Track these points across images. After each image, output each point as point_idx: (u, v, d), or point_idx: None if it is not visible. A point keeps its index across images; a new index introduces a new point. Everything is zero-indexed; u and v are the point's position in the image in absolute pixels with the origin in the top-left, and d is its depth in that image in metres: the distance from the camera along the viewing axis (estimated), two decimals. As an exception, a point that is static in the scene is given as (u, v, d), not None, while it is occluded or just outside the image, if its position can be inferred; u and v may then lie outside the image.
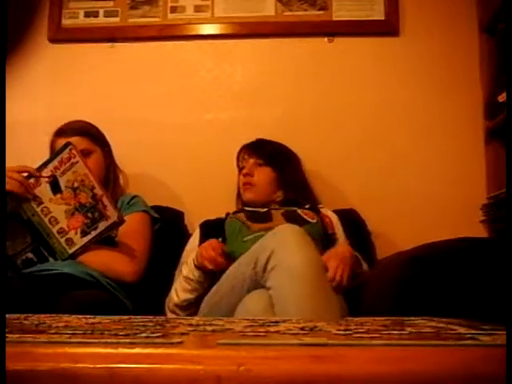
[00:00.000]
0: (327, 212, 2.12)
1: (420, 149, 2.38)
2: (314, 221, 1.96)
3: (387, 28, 2.45)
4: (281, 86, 2.49)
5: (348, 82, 2.46)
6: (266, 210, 2.04)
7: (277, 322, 0.96)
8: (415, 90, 2.42)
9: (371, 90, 2.44)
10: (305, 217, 1.97)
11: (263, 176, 2.14)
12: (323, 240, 1.92)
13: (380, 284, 1.59)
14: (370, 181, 2.38)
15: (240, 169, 2.21)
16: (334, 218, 2.10)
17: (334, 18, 2.48)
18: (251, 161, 2.17)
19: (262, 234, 1.76)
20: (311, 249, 1.55)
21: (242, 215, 2.02)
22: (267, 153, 2.18)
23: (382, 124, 2.41)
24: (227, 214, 2.09)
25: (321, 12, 2.48)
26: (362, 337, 0.68)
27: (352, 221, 2.19)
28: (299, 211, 2.00)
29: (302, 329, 0.80)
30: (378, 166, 2.38)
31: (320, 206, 2.15)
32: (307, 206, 2.07)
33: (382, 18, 2.45)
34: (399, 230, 2.27)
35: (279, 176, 2.14)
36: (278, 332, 0.78)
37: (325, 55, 2.49)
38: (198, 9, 2.54)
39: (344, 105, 2.45)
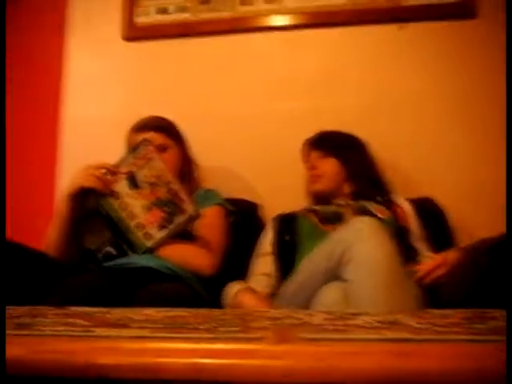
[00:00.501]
0: (400, 201, 2.07)
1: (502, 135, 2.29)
2: (386, 217, 1.93)
3: (463, 10, 2.36)
4: (353, 75, 2.46)
5: (421, 68, 2.40)
6: (336, 209, 2.01)
7: (355, 314, 0.95)
8: (497, 76, 2.29)
9: (446, 77, 2.37)
10: (376, 213, 1.94)
11: (328, 167, 2.12)
12: (396, 234, 1.89)
13: (464, 273, 1.56)
14: (446, 168, 2.31)
15: (305, 163, 2.21)
16: (408, 209, 2.05)
17: (404, 4, 2.42)
18: (314, 154, 2.16)
19: None
20: (387, 242, 1.53)
21: (312, 216, 2.00)
22: (329, 144, 2.16)
23: (460, 110, 2.34)
24: (300, 211, 2.08)
25: (392, -2, 2.43)
26: (444, 331, 0.67)
27: (428, 211, 2.13)
28: (370, 207, 1.97)
29: (382, 322, 0.79)
30: (454, 153, 2.32)
31: (392, 195, 2.11)
32: (378, 199, 2.04)
33: (458, 0, 2.36)
34: (478, 221, 2.20)
35: (345, 166, 2.11)
36: (356, 325, 0.77)
37: (397, 42, 2.44)
38: (268, 0, 2.53)
39: (417, 92, 2.39)
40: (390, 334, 0.63)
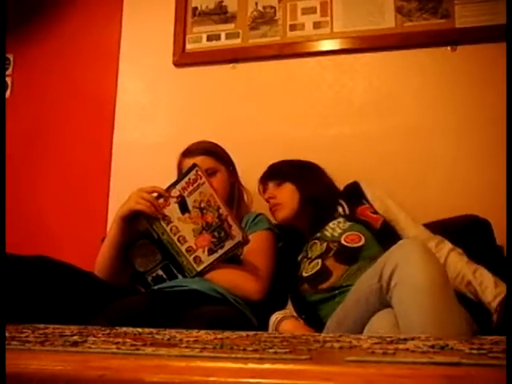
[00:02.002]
0: (370, 194, 2.05)
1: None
2: (358, 244, 1.90)
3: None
4: (404, 99, 2.45)
5: (475, 90, 2.38)
6: (320, 266, 1.93)
7: (405, 339, 0.94)
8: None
9: (500, 100, 2.33)
10: (349, 244, 1.91)
11: (285, 193, 2.10)
12: (379, 244, 1.88)
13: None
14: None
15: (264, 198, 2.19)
16: (380, 200, 2.03)
17: (457, 26, 2.40)
18: (270, 185, 2.15)
19: (333, 294, 1.80)
20: (435, 264, 1.50)
21: (306, 286, 1.94)
22: (281, 171, 2.15)
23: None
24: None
25: (442, 20, 2.42)
26: (498, 357, 0.65)
27: (474, 227, 2.08)
28: (342, 240, 1.93)
29: (432, 347, 0.78)
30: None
31: (359, 199, 2.06)
32: (341, 213, 2.03)
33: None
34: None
35: (301, 187, 2.09)
36: (407, 350, 0.76)
37: (448, 65, 2.42)
38: (317, 25, 2.56)
39: (472, 115, 2.36)
40: (441, 359, 0.62)
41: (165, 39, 2.73)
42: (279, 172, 2.16)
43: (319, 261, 1.93)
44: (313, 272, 1.92)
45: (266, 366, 0.60)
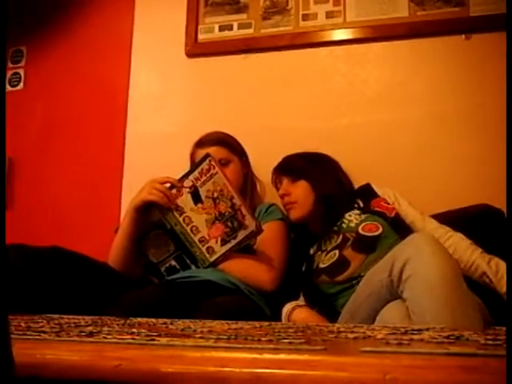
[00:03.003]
0: (381, 192, 2.05)
1: None
2: (376, 233, 1.90)
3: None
4: (417, 88, 2.42)
5: (489, 80, 2.35)
6: (337, 257, 1.92)
7: (420, 330, 0.93)
8: None
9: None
10: (367, 233, 1.91)
11: (300, 190, 2.08)
12: (396, 232, 1.88)
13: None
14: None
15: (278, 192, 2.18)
16: (390, 195, 2.04)
17: (472, 14, 2.37)
18: (284, 181, 2.13)
19: (351, 284, 1.80)
20: (446, 256, 1.49)
21: (322, 277, 1.93)
22: (296, 167, 2.12)
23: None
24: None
25: (456, 9, 2.38)
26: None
27: (486, 219, 2.06)
28: (360, 229, 1.93)
29: (448, 337, 0.77)
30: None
31: (370, 195, 2.07)
32: (356, 206, 2.03)
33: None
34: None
35: (316, 185, 2.07)
36: (422, 340, 0.76)
37: (462, 54, 2.39)
38: (329, 15, 2.54)
39: (487, 104, 2.33)
40: (456, 349, 0.61)
41: (177, 30, 2.72)
42: (294, 167, 2.14)
43: (336, 252, 1.93)
44: (330, 263, 1.92)
45: (281, 356, 0.60)
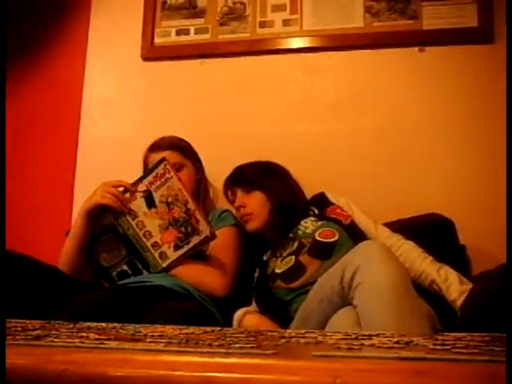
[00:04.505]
0: (335, 201, 2.07)
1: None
2: (332, 239, 1.91)
3: (481, 35, 2.36)
4: (371, 98, 2.45)
5: (441, 92, 2.40)
6: (293, 262, 1.93)
7: (370, 335, 0.94)
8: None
9: (467, 100, 2.36)
10: (323, 239, 1.92)
11: (255, 201, 2.08)
12: (351, 239, 1.89)
13: (481, 299, 1.54)
14: (471, 190, 2.30)
15: (232, 203, 2.18)
16: (344, 203, 2.06)
17: (425, 27, 2.42)
18: (238, 192, 2.12)
19: (307, 290, 1.77)
20: (396, 264, 1.51)
21: (277, 283, 1.93)
22: (249, 178, 2.12)
23: (481, 134, 2.33)
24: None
25: (411, 21, 2.43)
26: (462, 352, 0.66)
27: (436, 225, 2.11)
28: (316, 235, 1.94)
29: (397, 343, 0.78)
30: (481, 174, 2.30)
31: (325, 203, 2.08)
32: (311, 213, 2.04)
33: (475, 25, 2.36)
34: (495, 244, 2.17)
35: (270, 195, 2.08)
36: (372, 345, 0.76)
37: (416, 65, 2.44)
38: (286, 23, 2.55)
39: (438, 116, 2.38)
40: (407, 354, 0.62)
41: (133, 33, 2.70)
42: (247, 178, 2.13)
43: (292, 257, 1.93)
44: (286, 268, 1.92)
45: (232, 360, 0.60)
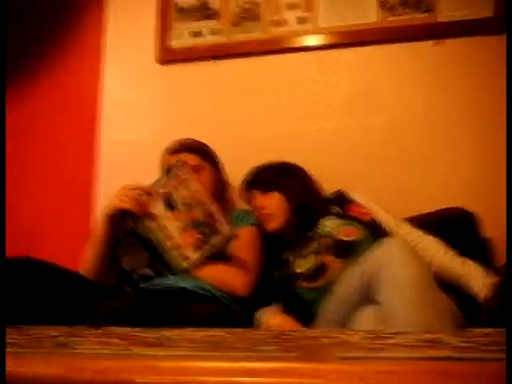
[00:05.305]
0: (357, 199, 2.06)
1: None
2: (354, 237, 1.90)
3: (496, 25, 2.32)
4: (387, 94, 2.44)
5: (458, 85, 2.38)
6: (315, 262, 1.92)
7: (394, 333, 0.94)
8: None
9: (485, 92, 2.34)
10: (345, 238, 1.91)
11: (274, 202, 2.08)
12: (372, 236, 1.88)
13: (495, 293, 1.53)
14: (489, 183, 2.28)
15: (249, 205, 2.18)
16: (366, 201, 2.05)
17: (439, 20, 2.40)
18: (257, 194, 2.13)
19: (330, 288, 1.76)
20: (418, 261, 1.51)
21: (299, 282, 1.93)
22: (267, 179, 2.12)
23: (496, 128, 2.30)
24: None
25: (425, 14, 2.40)
26: (488, 349, 0.65)
27: (456, 222, 2.10)
28: (338, 234, 1.92)
29: (422, 341, 0.78)
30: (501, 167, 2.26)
31: (346, 200, 2.08)
32: (334, 211, 2.03)
33: (491, 15, 2.33)
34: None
35: (289, 195, 2.08)
36: (396, 344, 0.76)
37: (431, 59, 2.41)
38: (300, 20, 2.54)
39: (456, 109, 2.36)
40: (431, 353, 0.61)
41: (147, 36, 2.71)
42: (265, 180, 2.13)
43: (314, 256, 1.93)
44: (308, 267, 1.92)
45: (256, 364, 0.60)
